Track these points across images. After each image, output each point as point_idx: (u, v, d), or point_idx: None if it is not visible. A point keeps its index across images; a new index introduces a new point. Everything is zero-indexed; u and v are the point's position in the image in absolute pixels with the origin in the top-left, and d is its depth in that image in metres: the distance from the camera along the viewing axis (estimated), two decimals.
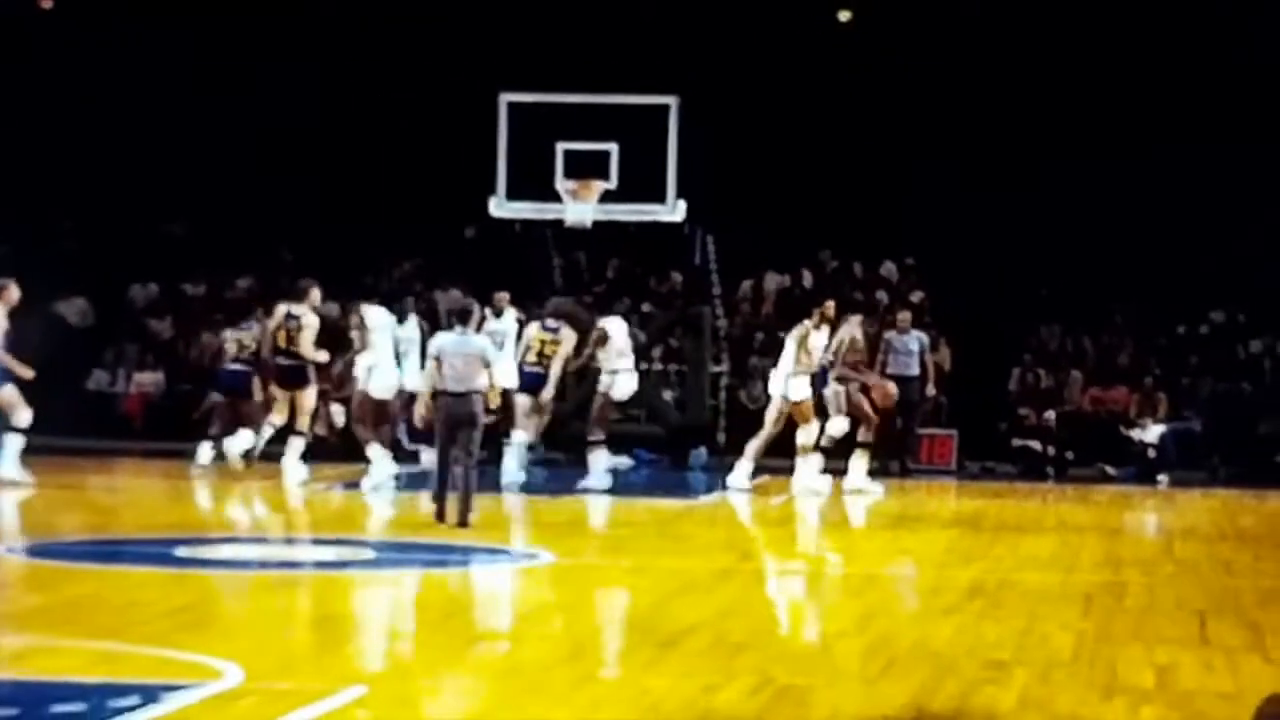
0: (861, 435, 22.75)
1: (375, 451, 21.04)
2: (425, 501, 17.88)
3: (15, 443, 20.56)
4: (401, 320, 21.64)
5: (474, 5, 30.72)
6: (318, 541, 17.41)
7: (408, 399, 20.27)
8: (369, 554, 15.98)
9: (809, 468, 22.19)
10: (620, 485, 22.60)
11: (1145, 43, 29.74)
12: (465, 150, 26.27)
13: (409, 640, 11.99)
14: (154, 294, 31.11)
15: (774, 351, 27.18)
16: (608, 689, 10.03)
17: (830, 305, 22.63)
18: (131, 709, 8.92)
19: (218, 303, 30.67)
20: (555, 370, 21.79)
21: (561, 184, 24.20)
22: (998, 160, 29.97)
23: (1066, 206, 29.71)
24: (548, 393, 21.91)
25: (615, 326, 22.37)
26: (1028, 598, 13.90)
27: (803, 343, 21.98)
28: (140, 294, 31.11)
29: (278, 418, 21.93)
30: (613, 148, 24.11)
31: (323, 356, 21.87)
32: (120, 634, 11.06)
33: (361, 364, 21.16)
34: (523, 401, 21.73)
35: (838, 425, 22.51)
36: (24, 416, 20.52)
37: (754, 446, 22.31)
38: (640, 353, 27.55)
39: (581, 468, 22.25)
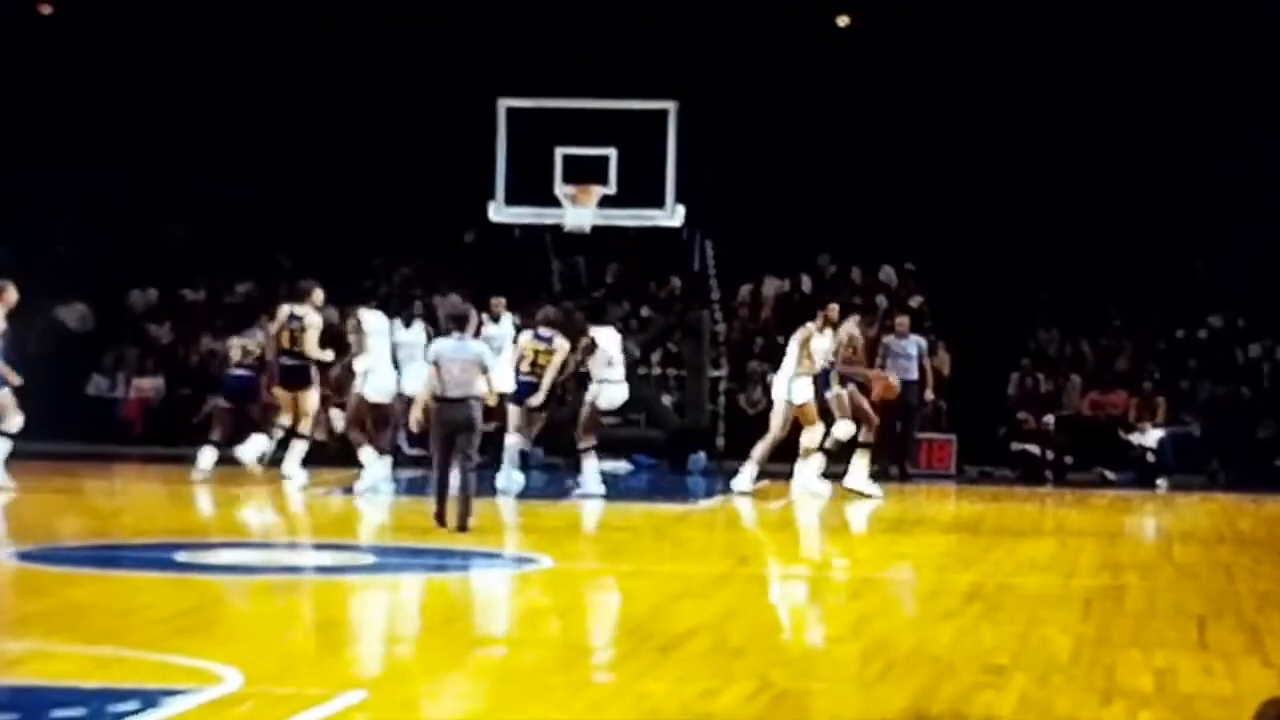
0: (863, 436, 22.77)
1: (367, 455, 21.06)
2: (424, 506, 17.88)
3: (2, 447, 20.53)
4: (408, 325, 21.63)
5: (473, 11, 30.74)
6: (317, 546, 17.44)
7: (408, 404, 20.29)
8: (368, 559, 15.99)
9: (810, 471, 22.20)
10: (619, 490, 22.62)
11: (1142, 49, 29.75)
12: (464, 155, 26.28)
13: (408, 645, 12.00)
14: (153, 299, 31.14)
15: (773, 356, 27.25)
16: (606, 693, 10.04)
17: (834, 308, 22.66)
18: (131, 714, 8.93)
19: (217, 308, 30.72)
20: (548, 379, 21.80)
21: (560, 189, 24.23)
22: (997, 164, 29.99)
23: (1066, 211, 29.74)
24: (537, 400, 21.93)
25: (606, 336, 22.32)
26: (1026, 602, 13.91)
27: (805, 345, 22.00)
28: (140, 299, 31.13)
29: (286, 418, 21.99)
30: (612, 153, 24.13)
31: (328, 355, 21.86)
32: (120, 639, 11.07)
33: (358, 368, 21.18)
34: (515, 410, 21.73)
35: (843, 429, 22.52)
36: (15, 421, 20.51)
37: (760, 450, 22.32)
38: (637, 360, 27.62)
39: (580, 473, 22.26)
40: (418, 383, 18.95)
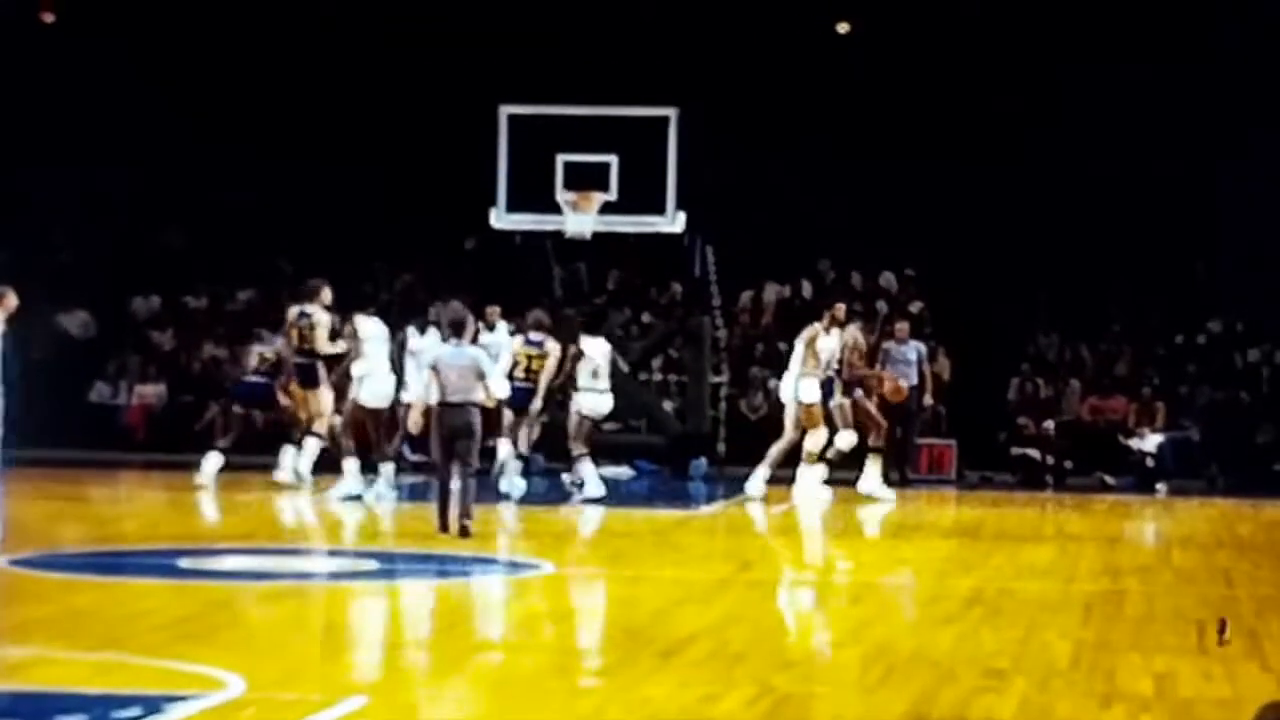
0: (872, 441, 22.89)
1: (350, 465, 21.12)
2: (427, 512, 17.90)
3: None
4: (422, 331, 21.64)
5: (475, 18, 30.78)
6: (320, 552, 17.46)
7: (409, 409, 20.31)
8: (371, 564, 16.02)
9: (812, 476, 22.23)
10: (620, 495, 22.64)
11: (1142, 49, 29.77)
12: (466, 161, 26.32)
13: (410, 650, 12.02)
14: (155, 306, 31.17)
15: (773, 362, 27.33)
16: (607, 698, 10.06)
17: (840, 308, 22.72)
18: None
19: (219, 315, 30.76)
20: (544, 383, 21.83)
21: (562, 195, 24.28)
22: (997, 164, 30.00)
23: (1065, 212, 29.76)
24: (535, 404, 21.96)
25: (594, 347, 22.31)
26: (1027, 606, 13.94)
27: (811, 345, 22.05)
28: (142, 306, 31.17)
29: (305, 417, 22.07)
30: (613, 159, 24.20)
31: (339, 347, 21.82)
32: (122, 645, 11.10)
33: (354, 373, 21.22)
34: (509, 415, 21.74)
35: (845, 439, 22.58)
36: None
37: (774, 453, 22.38)
38: (637, 366, 27.65)
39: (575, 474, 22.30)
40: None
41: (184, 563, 15.32)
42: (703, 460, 26.49)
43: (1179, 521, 22.54)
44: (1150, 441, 26.53)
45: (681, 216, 24.57)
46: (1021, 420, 27.33)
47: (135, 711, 9.12)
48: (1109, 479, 26.41)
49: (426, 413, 17.78)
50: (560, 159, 24.19)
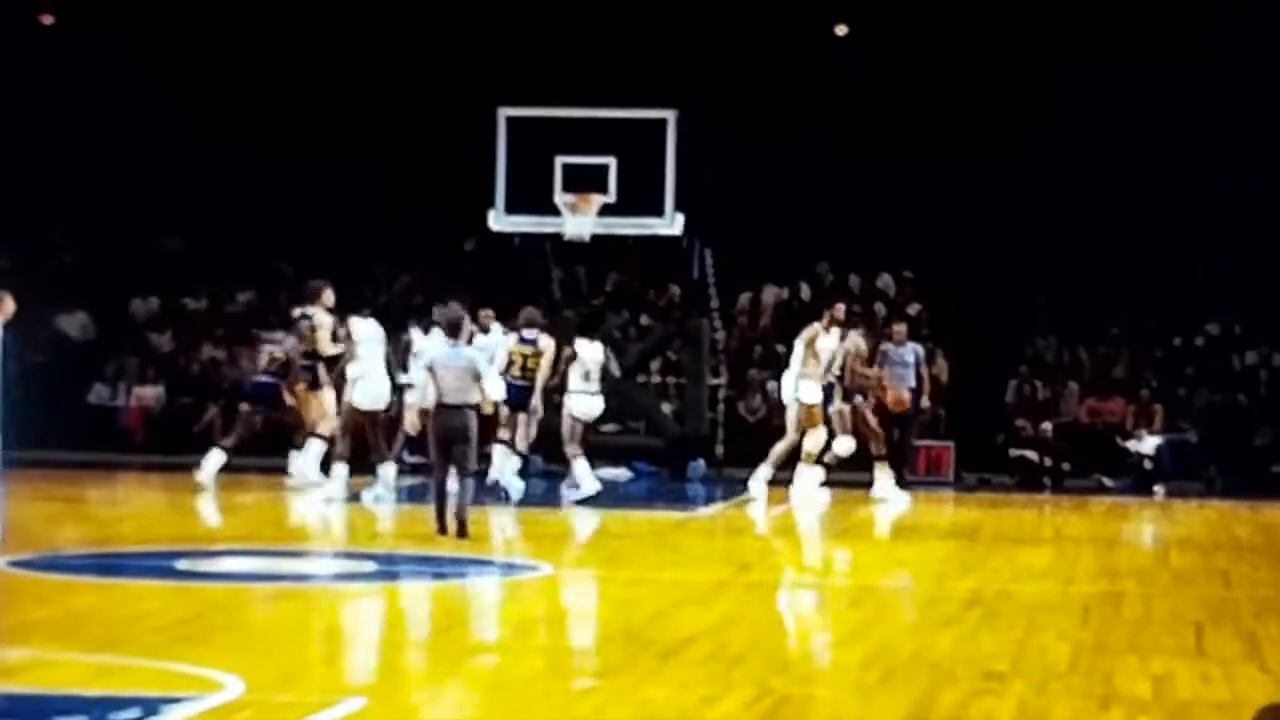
0: (875, 450, 22.96)
1: (339, 469, 21.14)
2: (425, 514, 17.91)
3: None
4: (426, 332, 21.65)
5: (473, 20, 30.78)
6: (319, 554, 17.46)
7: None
8: (369, 566, 16.02)
9: (810, 478, 22.25)
10: (619, 497, 22.65)
11: (1142, 49, 29.78)
12: (465, 163, 26.33)
13: (409, 652, 12.03)
14: (154, 308, 31.17)
15: (772, 364, 27.34)
16: (607, 700, 10.07)
17: (840, 308, 22.75)
18: None
19: (218, 317, 30.76)
20: (540, 380, 21.85)
21: (560, 197, 24.28)
22: (997, 164, 30.01)
23: (1065, 213, 29.77)
24: (534, 401, 21.97)
25: (587, 350, 22.32)
26: (1025, 608, 13.95)
27: (811, 344, 22.07)
28: (141, 308, 31.17)
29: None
30: (611, 161, 24.20)
31: (338, 349, 21.82)
32: (121, 647, 11.11)
33: (349, 375, 21.23)
34: (506, 415, 21.75)
35: (844, 445, 22.64)
36: None
37: (777, 452, 22.40)
38: (635, 369, 27.65)
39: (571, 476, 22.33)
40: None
41: (182, 564, 15.33)
42: (701, 462, 26.51)
43: (1177, 523, 22.55)
44: (1148, 443, 26.55)
45: (680, 219, 24.58)
46: (1019, 422, 27.35)
47: (134, 713, 9.13)
48: (1107, 481, 26.43)
49: (424, 414, 17.79)
50: (559, 161, 24.20)
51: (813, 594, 15.79)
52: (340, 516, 20.32)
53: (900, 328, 26.08)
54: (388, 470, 21.16)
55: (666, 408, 27.91)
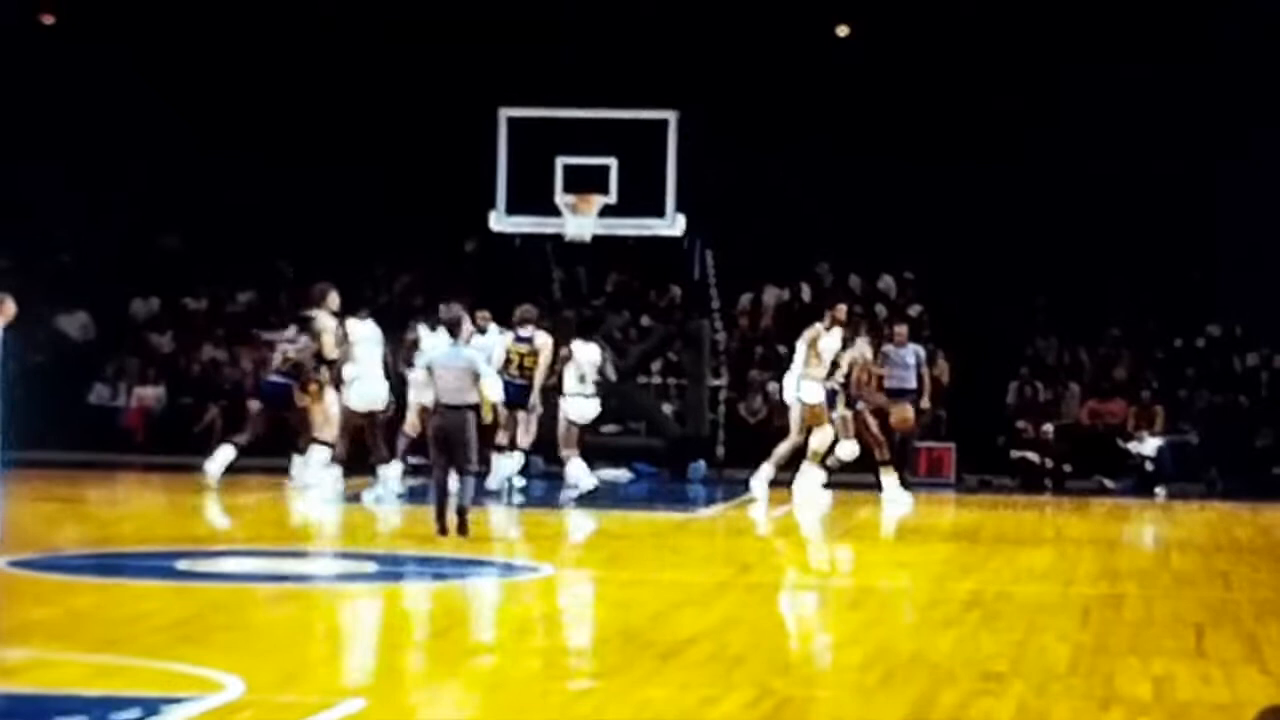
0: (879, 455, 23.01)
1: (332, 469, 21.10)
2: (426, 514, 17.90)
3: None
4: (433, 329, 21.64)
5: (474, 21, 30.79)
6: (319, 554, 17.46)
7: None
8: (370, 567, 16.02)
9: (812, 477, 22.25)
10: (619, 498, 22.66)
11: (1142, 49, 29.78)
12: (466, 164, 26.33)
13: (409, 653, 12.03)
14: (155, 308, 31.18)
15: (773, 365, 27.34)
16: (607, 701, 10.07)
17: (842, 308, 22.76)
18: None
19: (218, 317, 30.76)
20: (539, 378, 21.83)
21: (561, 198, 24.28)
22: (997, 164, 30.01)
23: (1065, 213, 29.77)
24: (533, 399, 21.96)
25: (583, 352, 22.30)
26: (1025, 609, 13.95)
27: (813, 344, 22.08)
28: (141, 308, 31.17)
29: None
30: (612, 162, 24.21)
31: (341, 352, 21.79)
32: (121, 647, 11.11)
33: (345, 376, 21.22)
34: (503, 412, 21.75)
35: (847, 449, 22.67)
36: None
37: (780, 452, 22.41)
38: (635, 369, 27.65)
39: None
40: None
41: (183, 564, 15.33)
42: (701, 463, 26.51)
43: (1178, 525, 22.55)
44: (1149, 445, 26.55)
45: (681, 219, 24.58)
46: (1020, 424, 27.35)
47: (134, 713, 9.13)
48: (1108, 482, 26.43)
49: (424, 414, 17.79)
50: (560, 161, 24.20)
51: (813, 595, 15.77)
52: (341, 517, 20.32)
53: (901, 329, 26.08)
54: (390, 471, 21.15)
55: (667, 409, 27.91)
